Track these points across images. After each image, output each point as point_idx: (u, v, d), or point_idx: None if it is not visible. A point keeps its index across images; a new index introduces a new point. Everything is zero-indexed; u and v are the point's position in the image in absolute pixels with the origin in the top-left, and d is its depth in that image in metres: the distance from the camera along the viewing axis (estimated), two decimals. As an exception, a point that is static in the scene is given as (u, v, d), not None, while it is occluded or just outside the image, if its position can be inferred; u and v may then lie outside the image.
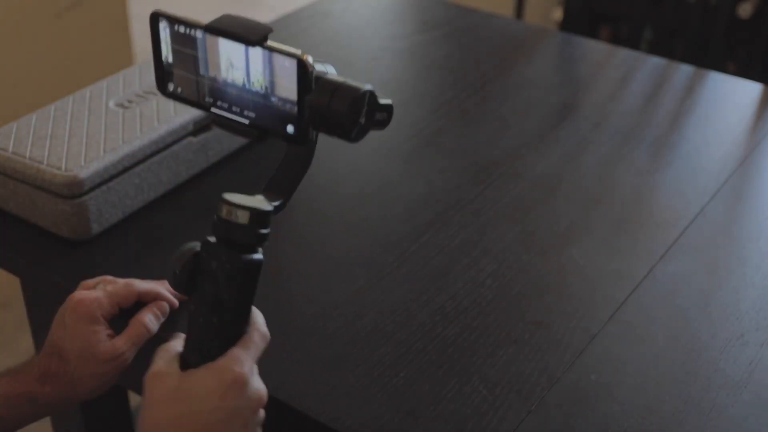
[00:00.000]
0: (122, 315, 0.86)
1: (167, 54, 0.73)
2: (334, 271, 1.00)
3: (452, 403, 0.84)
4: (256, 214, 0.69)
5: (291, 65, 0.66)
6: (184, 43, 0.71)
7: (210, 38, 0.70)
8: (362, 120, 0.67)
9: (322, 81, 0.67)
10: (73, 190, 0.99)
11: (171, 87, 0.74)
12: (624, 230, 1.08)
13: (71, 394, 0.83)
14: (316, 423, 0.82)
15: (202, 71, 0.71)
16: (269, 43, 0.67)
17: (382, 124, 0.70)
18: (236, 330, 0.70)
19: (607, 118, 1.32)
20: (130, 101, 1.12)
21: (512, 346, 0.90)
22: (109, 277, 0.89)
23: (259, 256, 0.70)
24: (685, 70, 1.46)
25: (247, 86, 0.69)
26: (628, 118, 1.32)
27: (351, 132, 0.67)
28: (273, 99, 0.68)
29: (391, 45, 1.51)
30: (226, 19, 0.69)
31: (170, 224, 1.07)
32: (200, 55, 0.71)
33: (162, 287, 0.91)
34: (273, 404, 0.85)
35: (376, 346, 0.90)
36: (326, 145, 1.23)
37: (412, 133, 1.26)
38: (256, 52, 0.67)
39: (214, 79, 0.71)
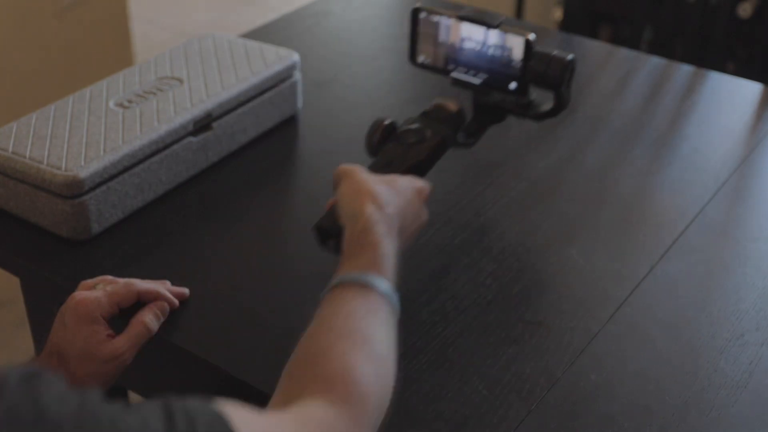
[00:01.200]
0: (122, 315, 0.86)
1: (419, 34, 1.04)
2: (334, 270, 1.00)
3: (452, 403, 0.84)
4: (462, 110, 1.00)
5: (519, 42, 0.98)
6: (433, 26, 1.03)
7: (455, 22, 1.01)
8: (566, 79, 0.98)
9: (539, 54, 0.98)
10: (73, 190, 0.99)
11: (421, 58, 1.06)
12: (624, 230, 1.08)
13: None
14: (316, 423, 0.82)
15: (444, 41, 1.03)
16: (503, 26, 0.99)
17: (564, 103, 1.02)
18: (421, 168, 0.94)
19: (607, 118, 1.32)
20: (130, 101, 1.12)
21: (512, 346, 0.90)
22: (109, 277, 0.89)
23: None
24: (685, 70, 1.46)
25: (482, 53, 1.01)
26: (628, 118, 1.32)
27: (561, 87, 0.99)
28: (502, 61, 1.00)
29: (391, 45, 1.51)
30: (472, 10, 1.01)
31: (170, 224, 1.07)
32: (443, 32, 1.02)
33: (162, 287, 0.91)
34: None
35: (376, 346, 0.90)
36: (326, 147, 1.24)
37: (412, 133, 1.26)
38: (494, 32, 0.99)
39: (453, 49, 1.03)
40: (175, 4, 3.55)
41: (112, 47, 2.36)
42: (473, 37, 1.00)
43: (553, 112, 1.02)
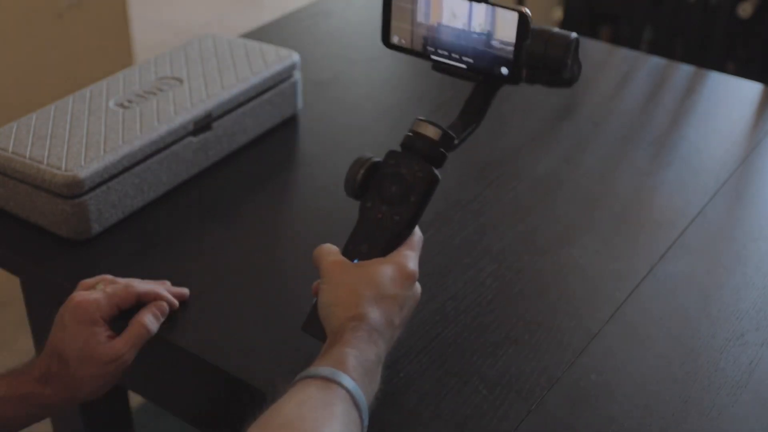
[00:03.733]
0: (122, 316, 0.86)
1: (393, 8, 0.85)
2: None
3: (452, 403, 0.84)
4: (445, 134, 0.83)
5: (512, 17, 0.79)
6: None
7: None
8: (570, 62, 0.80)
9: (537, 30, 0.80)
10: (73, 190, 0.99)
11: (395, 39, 0.87)
12: (624, 230, 1.08)
13: (72, 395, 0.83)
14: (316, 423, 0.82)
15: (422, 21, 0.84)
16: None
17: (572, 80, 0.83)
18: (408, 230, 0.82)
19: (607, 118, 1.32)
20: (130, 101, 1.12)
21: (512, 346, 0.90)
22: (108, 277, 0.89)
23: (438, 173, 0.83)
24: (685, 70, 1.46)
25: (468, 33, 0.82)
26: (628, 118, 1.32)
27: (563, 72, 0.80)
28: (493, 43, 0.81)
29: (391, 45, 1.51)
30: None
31: (170, 224, 1.07)
32: (422, 8, 0.84)
33: (162, 288, 0.91)
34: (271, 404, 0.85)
35: (376, 346, 0.90)
36: (326, 147, 1.24)
37: (412, 133, 1.26)
38: (480, 6, 0.81)
39: (435, 29, 0.84)
40: (175, 4, 3.55)
41: (112, 47, 2.36)
42: (457, 12, 0.82)
43: (568, 82, 0.83)
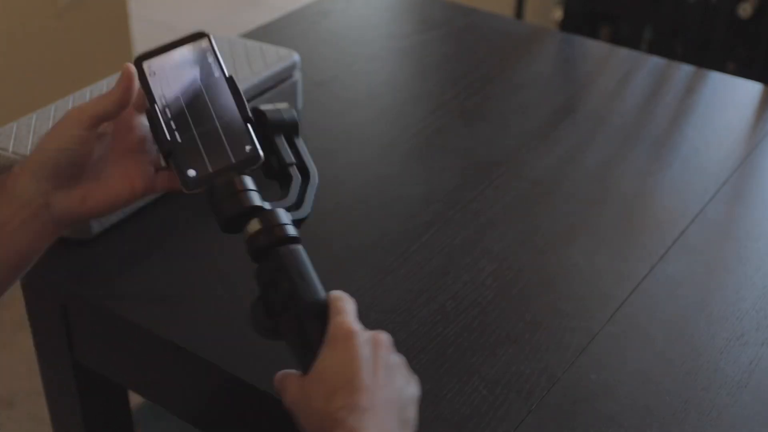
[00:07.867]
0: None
1: None
2: (334, 270, 1.00)
3: (452, 403, 0.84)
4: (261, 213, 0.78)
5: None
6: None
7: None
8: None
9: None
10: (73, 190, 0.98)
11: None
12: (624, 230, 1.08)
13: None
14: (316, 423, 0.82)
15: None
16: None
17: None
18: (313, 306, 0.74)
19: (607, 118, 1.32)
20: (130, 101, 1.12)
21: (512, 346, 0.90)
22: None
23: (295, 246, 0.76)
24: (685, 70, 1.46)
25: None
26: (628, 118, 1.32)
27: None
28: None
29: (391, 45, 1.51)
30: None
31: (170, 224, 1.07)
32: None
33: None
34: (273, 404, 0.85)
35: (376, 346, 0.90)
36: (326, 147, 1.24)
37: (412, 133, 1.26)
38: None
39: None
40: (175, 4, 3.55)
41: (112, 47, 2.36)
42: None
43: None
